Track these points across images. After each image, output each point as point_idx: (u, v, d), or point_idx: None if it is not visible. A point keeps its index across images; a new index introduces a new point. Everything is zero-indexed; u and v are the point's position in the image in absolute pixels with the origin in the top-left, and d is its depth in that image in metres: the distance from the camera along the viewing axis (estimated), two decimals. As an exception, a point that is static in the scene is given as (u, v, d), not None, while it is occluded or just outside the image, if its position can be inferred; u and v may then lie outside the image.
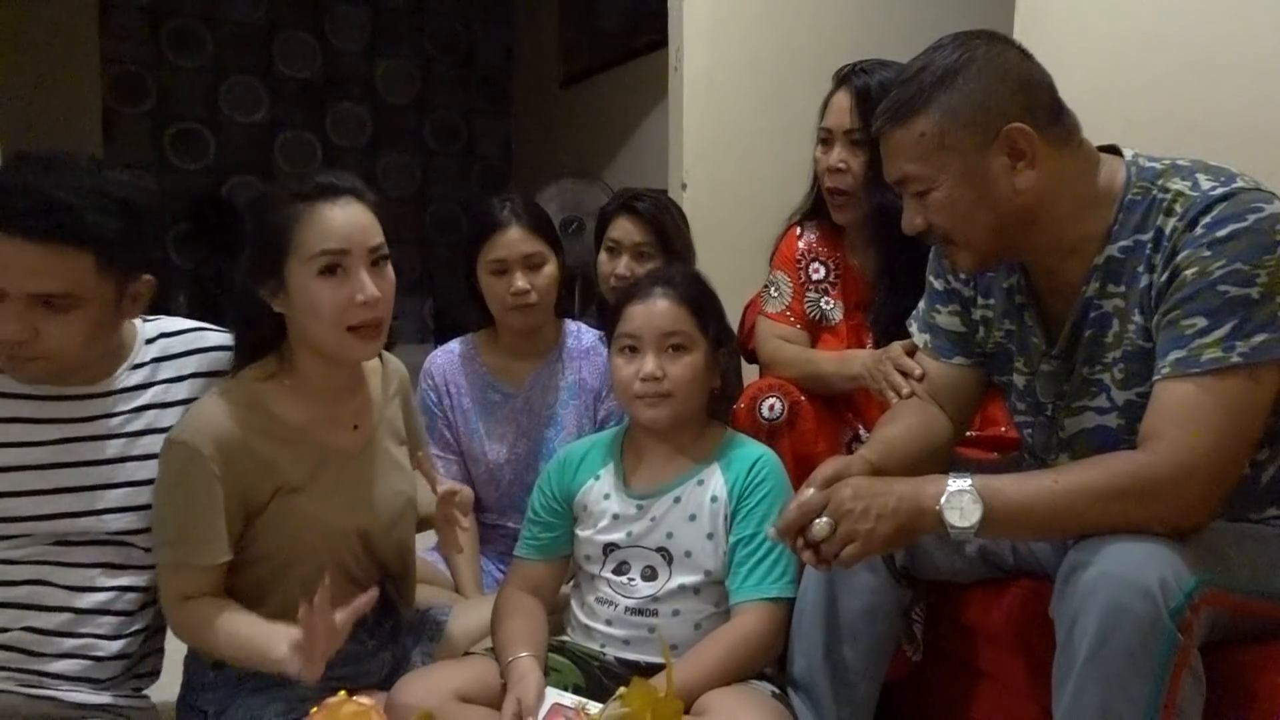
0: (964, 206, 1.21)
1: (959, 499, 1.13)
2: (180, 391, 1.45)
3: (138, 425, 1.41)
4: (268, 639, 1.29)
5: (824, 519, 1.17)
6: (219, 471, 1.34)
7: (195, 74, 5.07)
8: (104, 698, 1.39)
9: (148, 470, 1.39)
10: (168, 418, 1.42)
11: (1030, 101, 1.19)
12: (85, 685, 1.37)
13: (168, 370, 1.46)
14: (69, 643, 1.36)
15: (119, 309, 1.34)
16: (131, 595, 1.41)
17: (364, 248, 1.37)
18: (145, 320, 1.48)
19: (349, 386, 1.50)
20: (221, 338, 1.51)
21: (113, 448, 1.39)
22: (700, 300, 1.51)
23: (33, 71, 4.48)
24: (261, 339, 1.44)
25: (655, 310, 1.48)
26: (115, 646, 1.40)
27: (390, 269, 1.41)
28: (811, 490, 1.20)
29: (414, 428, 1.67)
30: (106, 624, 1.39)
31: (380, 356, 1.58)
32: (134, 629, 1.42)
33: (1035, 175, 1.19)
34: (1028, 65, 1.22)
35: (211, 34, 5.10)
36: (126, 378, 1.42)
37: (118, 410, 1.40)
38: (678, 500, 1.50)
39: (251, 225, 1.40)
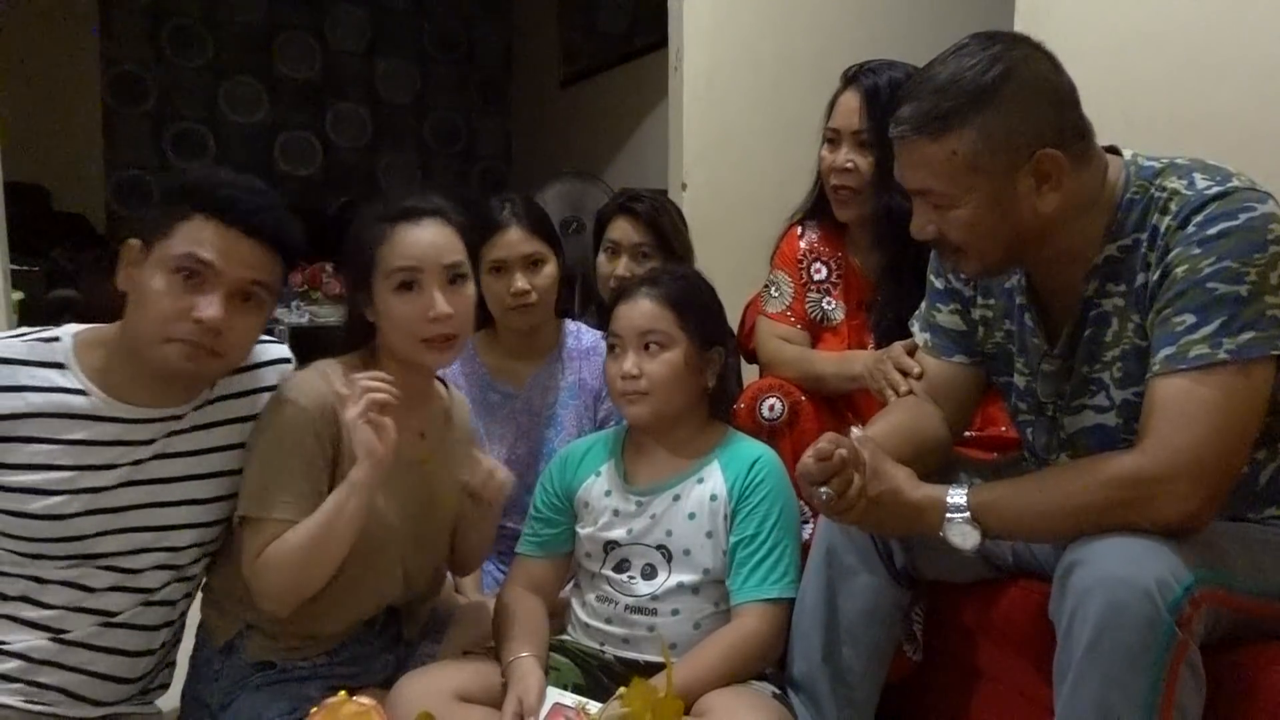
0: (984, 227, 1.20)
1: (958, 528, 1.18)
2: (241, 408, 1.44)
3: (202, 443, 1.40)
4: (334, 494, 1.34)
5: (826, 490, 1.19)
6: (318, 432, 1.37)
7: (195, 74, 5.08)
8: (106, 710, 1.38)
9: (208, 489, 1.40)
10: (228, 435, 1.42)
11: (1062, 122, 1.17)
12: (87, 704, 1.36)
13: (233, 386, 1.45)
14: (84, 656, 1.35)
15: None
16: (156, 610, 1.40)
17: (437, 265, 1.43)
18: None
19: (421, 396, 1.54)
20: (279, 350, 1.54)
21: (178, 466, 1.38)
22: (685, 299, 1.52)
23: (33, 71, 4.48)
24: (355, 336, 1.52)
25: (636, 310, 1.51)
26: (141, 664, 1.40)
27: (469, 286, 1.48)
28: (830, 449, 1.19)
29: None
30: (126, 639, 1.37)
31: (448, 390, 1.62)
32: (151, 646, 1.41)
33: (1058, 197, 1.18)
34: (1059, 79, 1.18)
35: (211, 34, 5.11)
36: (204, 394, 1.41)
37: (183, 429, 1.39)
38: (677, 498, 1.50)
39: (348, 244, 1.49)
